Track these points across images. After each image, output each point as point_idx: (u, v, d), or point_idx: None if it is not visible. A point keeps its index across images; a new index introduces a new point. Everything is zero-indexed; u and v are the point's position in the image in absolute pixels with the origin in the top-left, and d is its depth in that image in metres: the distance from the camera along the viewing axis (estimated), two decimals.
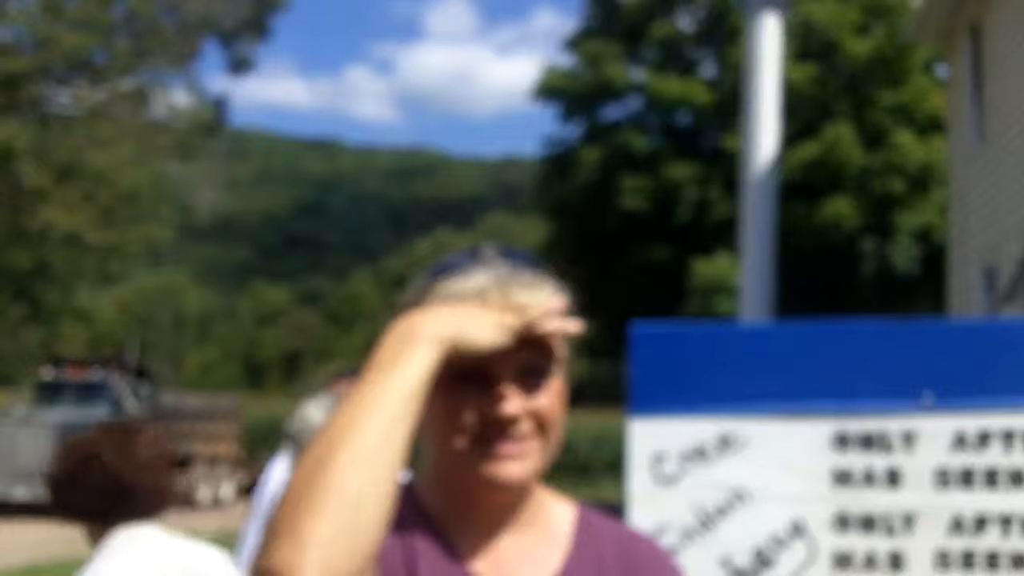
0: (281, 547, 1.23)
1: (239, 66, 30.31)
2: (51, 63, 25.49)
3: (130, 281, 50.13)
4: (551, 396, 1.48)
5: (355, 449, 1.27)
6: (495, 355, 1.42)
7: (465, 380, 1.44)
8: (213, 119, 29.72)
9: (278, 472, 4.60)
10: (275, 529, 1.25)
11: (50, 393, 20.22)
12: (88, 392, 20.05)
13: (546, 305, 1.45)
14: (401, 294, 1.55)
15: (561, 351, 1.50)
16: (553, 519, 1.56)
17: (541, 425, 1.46)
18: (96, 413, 19.45)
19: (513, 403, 1.43)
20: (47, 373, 20.78)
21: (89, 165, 25.46)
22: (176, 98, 28.50)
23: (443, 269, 1.51)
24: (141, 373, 21.74)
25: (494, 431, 1.43)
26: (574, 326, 1.47)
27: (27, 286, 27.81)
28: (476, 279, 1.47)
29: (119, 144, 25.96)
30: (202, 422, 22.37)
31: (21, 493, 18.07)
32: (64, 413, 19.18)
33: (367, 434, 1.28)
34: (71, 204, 24.99)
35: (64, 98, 27.25)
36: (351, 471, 1.25)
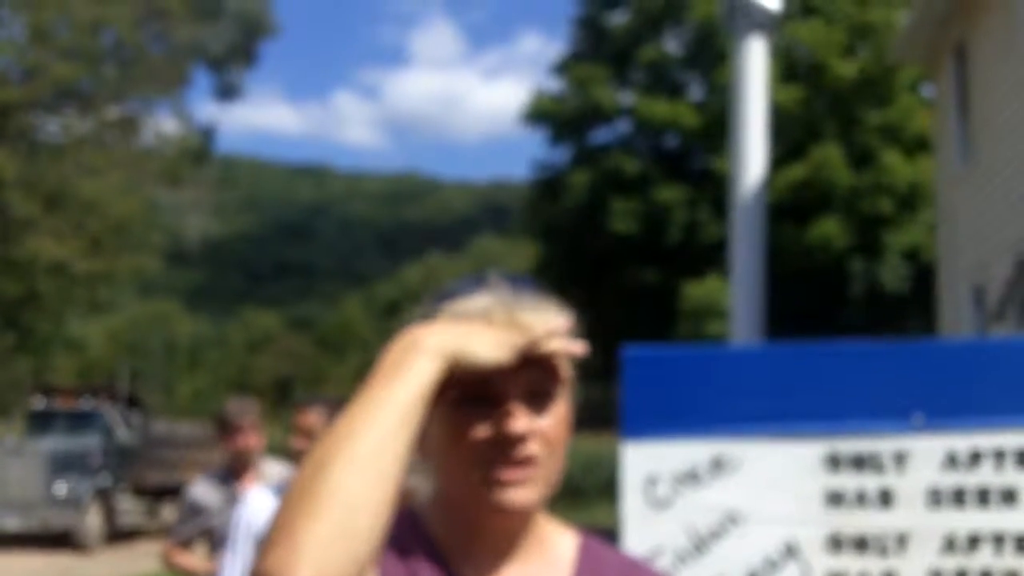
0: (276, 550, 1.22)
1: (227, 92, 30.43)
2: (40, 92, 25.50)
3: (120, 310, 49.98)
4: (557, 418, 1.48)
5: (353, 454, 1.27)
6: (502, 376, 1.42)
7: (472, 402, 1.44)
8: (201, 146, 29.76)
9: (253, 504, 4.58)
10: (271, 533, 1.25)
11: (41, 423, 20.11)
12: (79, 421, 19.94)
13: (550, 324, 1.45)
14: (402, 320, 1.55)
15: (566, 373, 1.50)
16: (555, 547, 1.56)
17: (547, 448, 1.46)
18: (87, 442, 19.35)
19: (521, 421, 1.43)
20: (38, 403, 20.66)
21: (78, 193, 25.45)
22: (164, 125, 28.56)
23: (448, 294, 1.52)
24: (132, 401, 21.64)
25: (501, 453, 1.43)
26: (579, 346, 1.48)
27: (17, 315, 27.73)
28: (481, 299, 1.48)
29: (108, 172, 25.96)
30: (194, 450, 22.27)
31: (12, 523, 17.96)
32: (55, 442, 19.08)
33: (366, 440, 1.28)
34: (60, 233, 24.96)
35: (53, 127, 27.28)
36: (349, 476, 1.25)
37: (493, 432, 1.43)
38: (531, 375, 1.45)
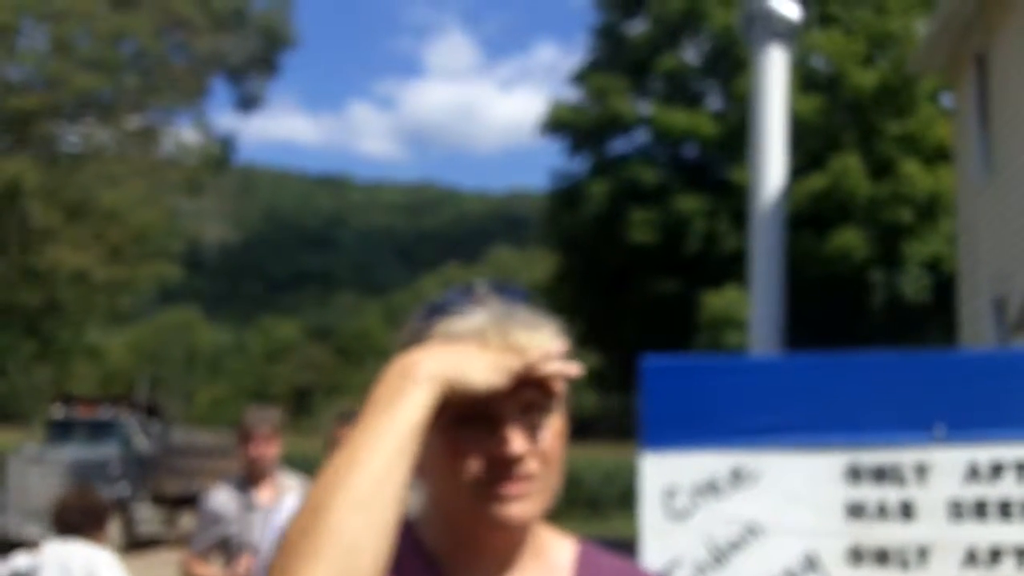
0: None
1: (248, 103, 30.49)
2: (60, 101, 25.64)
3: (141, 318, 50.18)
4: (553, 434, 1.47)
5: (352, 493, 1.26)
6: (496, 395, 1.41)
7: (467, 421, 1.43)
8: (221, 155, 29.86)
9: (287, 511, 4.61)
10: (273, 575, 1.24)
11: (61, 431, 20.21)
12: (99, 430, 20.03)
13: (546, 347, 1.44)
14: (398, 332, 1.54)
15: (561, 389, 1.48)
16: (554, 556, 1.55)
17: (544, 463, 1.45)
18: (107, 451, 19.42)
19: (518, 442, 1.42)
20: (58, 411, 20.77)
21: (99, 203, 25.57)
22: (184, 135, 28.66)
23: (438, 308, 1.50)
24: (152, 410, 21.72)
25: (499, 471, 1.42)
26: (574, 369, 1.46)
27: (37, 324, 27.86)
28: (474, 319, 1.45)
29: (128, 181, 26.08)
30: (213, 459, 22.34)
31: (32, 531, 18.02)
32: (75, 451, 19.15)
33: (364, 477, 1.27)
34: (80, 242, 25.08)
35: (73, 136, 27.41)
36: (348, 515, 1.25)
37: (490, 453, 1.42)
38: (526, 394, 1.44)
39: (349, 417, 4.53)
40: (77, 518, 5.43)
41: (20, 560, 5.48)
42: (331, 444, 4.44)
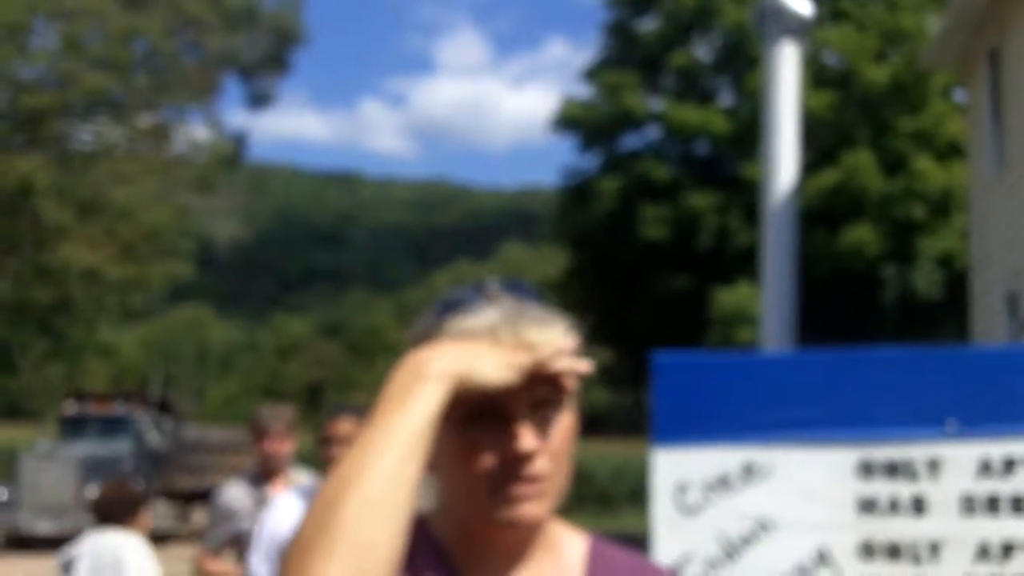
0: None
1: (259, 100, 30.57)
2: (72, 100, 25.71)
3: (153, 316, 50.32)
4: (563, 430, 1.47)
5: (364, 491, 1.26)
6: (508, 392, 1.41)
7: (478, 418, 1.43)
8: (233, 153, 29.91)
9: (279, 510, 4.60)
10: (284, 573, 1.24)
11: (74, 428, 20.27)
12: (111, 426, 20.09)
13: (557, 344, 1.44)
14: (408, 330, 1.55)
15: (572, 385, 1.48)
16: (566, 550, 1.55)
17: (554, 462, 1.45)
18: (119, 447, 19.48)
19: (529, 439, 1.42)
20: (71, 408, 20.84)
21: (110, 201, 25.64)
22: (196, 133, 28.71)
23: (450, 306, 1.50)
24: (164, 407, 21.79)
25: (510, 470, 1.42)
26: (585, 366, 1.46)
27: (50, 322, 27.96)
28: (486, 316, 1.45)
29: (140, 180, 26.14)
30: (225, 455, 22.40)
31: (45, 527, 18.10)
32: (88, 447, 19.22)
33: (376, 475, 1.27)
34: (92, 240, 25.15)
35: (85, 135, 27.47)
36: (361, 514, 1.25)
37: (501, 451, 1.42)
38: (537, 390, 1.44)
39: (338, 412, 4.52)
40: (112, 508, 5.98)
41: (65, 552, 6.04)
42: (327, 441, 4.43)
